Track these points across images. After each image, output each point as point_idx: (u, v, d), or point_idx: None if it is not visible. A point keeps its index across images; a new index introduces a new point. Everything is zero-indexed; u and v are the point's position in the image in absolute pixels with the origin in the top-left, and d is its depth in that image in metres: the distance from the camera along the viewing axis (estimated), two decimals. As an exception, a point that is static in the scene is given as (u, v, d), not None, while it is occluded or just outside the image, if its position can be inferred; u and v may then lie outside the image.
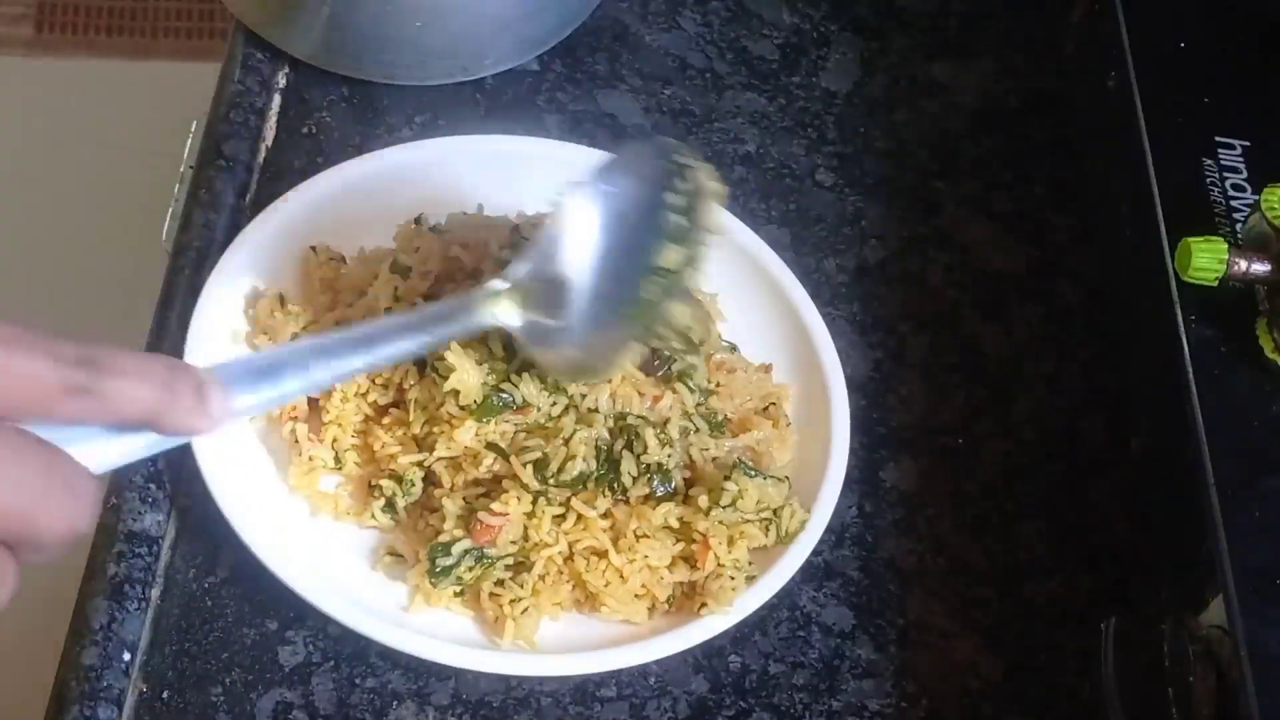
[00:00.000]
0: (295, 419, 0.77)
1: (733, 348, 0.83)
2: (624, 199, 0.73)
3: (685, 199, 0.72)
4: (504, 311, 0.71)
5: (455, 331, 0.71)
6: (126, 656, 0.73)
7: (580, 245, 0.72)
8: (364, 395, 0.77)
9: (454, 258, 0.79)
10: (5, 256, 1.63)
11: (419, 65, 0.90)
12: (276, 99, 0.93)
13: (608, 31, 0.98)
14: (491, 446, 0.74)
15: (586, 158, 0.88)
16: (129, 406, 0.51)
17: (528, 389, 0.74)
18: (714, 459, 0.77)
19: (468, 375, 0.73)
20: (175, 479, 0.78)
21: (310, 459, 0.76)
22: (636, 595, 0.75)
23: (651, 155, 0.75)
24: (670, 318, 0.72)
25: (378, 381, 0.77)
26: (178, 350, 0.78)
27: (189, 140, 0.93)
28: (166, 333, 0.81)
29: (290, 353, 0.65)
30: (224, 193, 0.88)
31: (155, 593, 0.75)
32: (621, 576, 0.74)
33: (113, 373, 0.50)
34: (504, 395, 0.74)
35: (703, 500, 0.75)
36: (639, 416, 0.76)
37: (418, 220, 0.83)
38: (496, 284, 0.71)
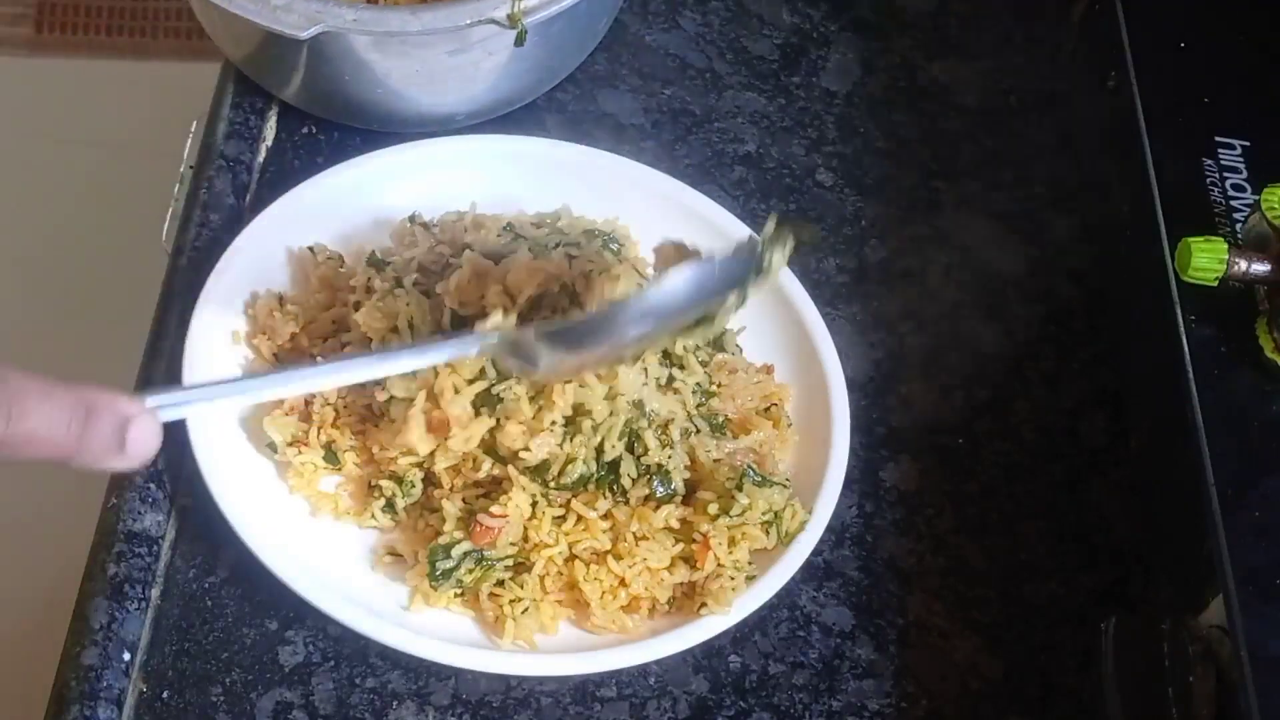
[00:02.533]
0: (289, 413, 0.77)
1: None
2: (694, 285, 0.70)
3: (741, 297, 0.69)
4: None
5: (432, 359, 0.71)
6: (126, 656, 0.73)
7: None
8: (343, 397, 0.77)
9: (439, 254, 0.80)
10: (6, 256, 1.63)
11: (391, 122, 0.90)
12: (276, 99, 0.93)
13: (607, 31, 0.98)
14: (490, 452, 0.74)
15: (585, 157, 0.89)
16: (36, 450, 0.53)
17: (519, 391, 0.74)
18: (717, 460, 0.77)
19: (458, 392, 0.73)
20: (175, 479, 0.78)
21: (301, 465, 0.76)
22: (623, 608, 0.75)
23: (745, 255, 0.70)
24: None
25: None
26: (178, 350, 0.78)
27: (189, 140, 0.93)
28: (166, 333, 0.81)
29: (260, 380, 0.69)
30: (224, 193, 0.88)
31: (155, 593, 0.75)
32: (623, 583, 0.74)
33: (19, 418, 0.52)
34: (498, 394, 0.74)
35: (712, 508, 0.75)
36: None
37: (411, 218, 0.83)
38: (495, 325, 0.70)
